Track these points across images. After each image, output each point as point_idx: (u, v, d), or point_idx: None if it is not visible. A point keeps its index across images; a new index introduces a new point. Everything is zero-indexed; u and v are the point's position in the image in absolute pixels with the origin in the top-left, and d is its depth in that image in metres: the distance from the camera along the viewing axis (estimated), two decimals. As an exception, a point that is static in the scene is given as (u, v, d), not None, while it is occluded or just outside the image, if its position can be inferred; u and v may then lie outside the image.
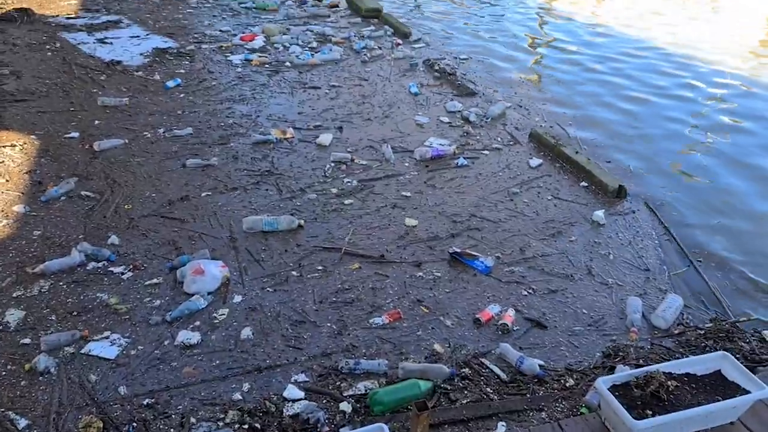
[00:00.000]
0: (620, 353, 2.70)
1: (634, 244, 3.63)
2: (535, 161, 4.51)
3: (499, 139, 4.93)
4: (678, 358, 2.47)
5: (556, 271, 3.31)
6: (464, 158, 4.49)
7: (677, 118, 5.67)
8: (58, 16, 7.34)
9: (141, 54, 6.29)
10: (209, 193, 3.87)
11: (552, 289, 3.17)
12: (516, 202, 3.98)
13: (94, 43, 6.51)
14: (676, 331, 2.90)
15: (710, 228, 3.92)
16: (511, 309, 2.97)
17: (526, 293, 3.13)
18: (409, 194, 4.00)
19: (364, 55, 6.80)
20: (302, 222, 3.57)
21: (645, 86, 6.48)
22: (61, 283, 2.97)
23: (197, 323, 2.78)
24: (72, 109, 4.90)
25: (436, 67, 6.43)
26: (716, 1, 11.67)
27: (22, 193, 3.70)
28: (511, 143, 4.86)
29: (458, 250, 3.34)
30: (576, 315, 2.99)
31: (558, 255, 3.46)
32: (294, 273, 3.17)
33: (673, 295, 3.10)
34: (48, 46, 6.26)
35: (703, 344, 2.78)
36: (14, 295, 2.87)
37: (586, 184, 4.23)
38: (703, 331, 2.88)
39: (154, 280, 3.04)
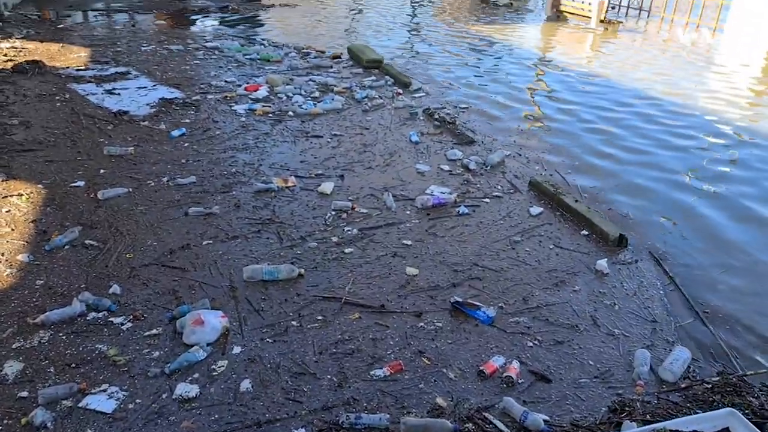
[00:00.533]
0: (627, 408, 2.65)
1: (639, 294, 3.61)
2: (535, 209, 4.54)
3: (499, 187, 4.97)
4: (685, 414, 2.42)
5: (561, 322, 3.28)
6: (465, 206, 4.52)
7: (675, 167, 5.73)
8: (68, 68, 7.54)
9: (148, 104, 6.43)
10: (210, 242, 3.88)
11: (557, 340, 3.13)
12: (518, 251, 3.99)
13: (102, 93, 6.66)
14: (683, 385, 2.85)
15: (715, 279, 3.90)
16: (516, 361, 2.93)
17: (530, 344, 3.09)
18: (410, 243, 4.02)
19: (366, 104, 6.94)
20: (302, 271, 3.57)
21: (641, 136, 6.59)
22: (60, 334, 2.94)
23: (196, 375, 2.74)
24: (79, 158, 4.97)
25: (436, 116, 6.56)
26: (710, 51, 11.98)
27: (27, 242, 3.72)
28: (511, 191, 4.90)
29: (460, 300, 3.33)
30: (582, 366, 2.95)
31: (562, 305, 3.43)
32: (294, 323, 3.15)
33: (680, 348, 3.06)
34: (57, 97, 6.41)
35: (710, 399, 2.73)
36: (14, 346, 2.85)
37: (587, 233, 4.25)
38: (710, 385, 2.83)
39: (154, 331, 3.01)
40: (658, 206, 4.89)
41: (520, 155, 5.79)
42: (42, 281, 3.35)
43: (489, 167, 5.32)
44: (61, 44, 8.81)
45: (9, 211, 4.06)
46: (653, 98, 8.06)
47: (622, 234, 4.09)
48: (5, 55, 7.82)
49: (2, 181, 4.43)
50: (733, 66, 10.52)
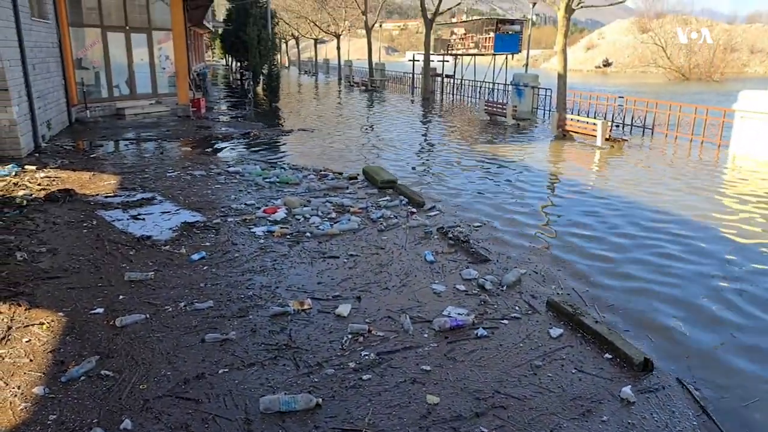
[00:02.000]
0: None
1: (671, 426, 3.43)
2: (555, 331, 4.46)
3: (516, 307, 4.93)
4: None
5: (590, 456, 3.11)
6: (483, 328, 4.46)
7: (694, 287, 5.68)
8: (97, 195, 7.92)
9: (170, 228, 6.65)
10: (226, 370, 3.83)
11: (587, 476, 2.95)
12: (540, 376, 3.87)
13: (127, 219, 6.93)
14: None
15: (747, 409, 3.72)
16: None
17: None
18: (428, 368, 3.92)
19: (381, 224, 7.10)
20: (320, 401, 3.47)
21: (656, 254, 6.61)
22: (68, 475, 2.84)
23: None
24: (100, 284, 5.07)
25: (450, 235, 6.67)
26: (717, 167, 12.27)
27: (44, 374, 3.70)
28: (529, 312, 4.85)
29: (483, 432, 3.19)
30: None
31: (590, 437, 3.27)
32: (311, 460, 3.02)
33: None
34: (85, 224, 6.67)
35: None
36: (19, 488, 2.75)
37: (610, 356, 4.13)
38: None
39: (165, 471, 2.90)
40: (683, 328, 4.79)
41: (535, 273, 5.80)
42: (55, 416, 3.29)
43: (505, 287, 5.32)
44: (92, 172, 9.32)
45: (29, 340, 4.08)
46: (664, 214, 8.17)
47: (647, 358, 3.98)
48: (39, 184, 8.26)
49: (26, 309, 4.50)
50: (738, 184, 10.71)
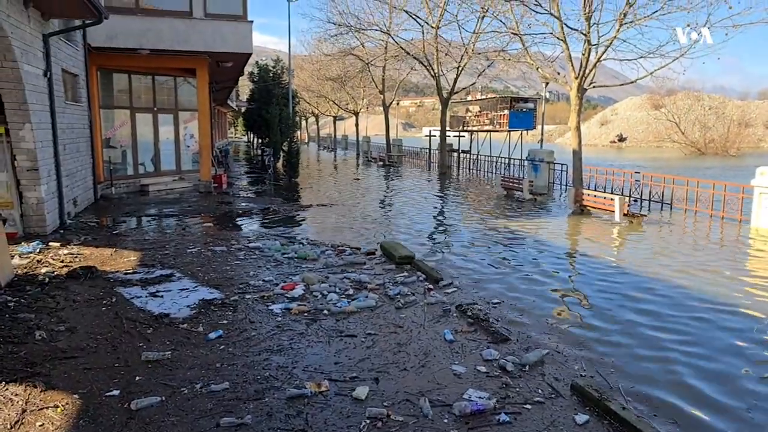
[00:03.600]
0: None
1: None
2: (580, 417, 4.29)
3: (539, 390, 4.77)
4: None
5: None
6: (506, 413, 4.30)
7: (727, 367, 5.49)
8: (117, 272, 8.02)
9: (188, 306, 6.66)
10: (241, 457, 3.71)
11: None
12: (566, 467, 3.69)
13: (146, 297, 6.97)
14: None
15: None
16: None
17: None
18: (449, 457, 3.77)
19: (399, 301, 7.04)
20: (336, 492, 3.33)
21: (681, 334, 6.42)
22: None
23: None
24: (117, 365, 5.04)
25: (469, 313, 6.57)
26: (738, 242, 12.11)
27: (53, 460, 3.63)
28: (552, 395, 4.68)
29: None
30: None
31: None
32: None
33: None
34: (104, 301, 6.72)
35: None
36: None
37: (640, 445, 3.95)
38: None
39: None
40: (709, 412, 4.58)
41: (558, 352, 5.65)
42: (63, 506, 3.19)
43: (527, 367, 5.17)
44: (114, 249, 9.48)
45: (43, 425, 4.02)
46: (688, 290, 8.01)
47: (679, 447, 3.79)
48: (62, 261, 8.41)
49: (41, 391, 4.47)
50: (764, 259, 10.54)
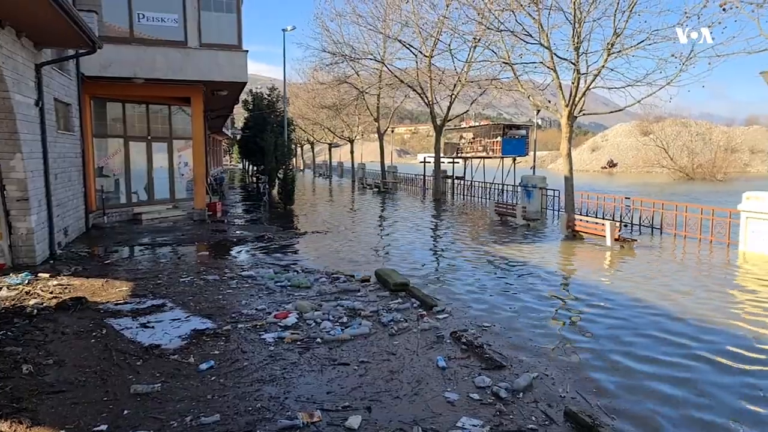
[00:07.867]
0: None
1: None
2: (575, 445, 4.24)
3: (533, 417, 4.72)
4: None
5: None
6: (500, 443, 4.25)
7: (718, 399, 5.45)
8: (108, 302, 7.94)
9: (179, 336, 6.58)
10: (230, 492, 3.63)
11: None
12: (561, 497, 3.63)
13: (137, 327, 6.88)
14: None
15: None
16: None
17: None
18: (443, 489, 3.70)
19: (392, 328, 6.99)
20: None
21: (677, 355, 6.40)
22: None
23: None
24: (105, 398, 4.95)
25: (463, 339, 6.53)
26: (728, 267, 12.15)
27: (37, 498, 3.54)
28: (546, 422, 4.63)
29: None
30: None
31: None
32: None
33: None
34: (94, 333, 6.64)
35: None
36: None
37: (635, 473, 3.89)
38: None
39: None
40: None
41: (547, 375, 5.62)
42: None
43: (520, 394, 5.13)
44: (105, 279, 9.40)
45: (27, 461, 3.94)
46: (680, 315, 7.99)
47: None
48: (51, 292, 8.32)
49: (27, 428, 4.37)
50: (751, 282, 10.56)
